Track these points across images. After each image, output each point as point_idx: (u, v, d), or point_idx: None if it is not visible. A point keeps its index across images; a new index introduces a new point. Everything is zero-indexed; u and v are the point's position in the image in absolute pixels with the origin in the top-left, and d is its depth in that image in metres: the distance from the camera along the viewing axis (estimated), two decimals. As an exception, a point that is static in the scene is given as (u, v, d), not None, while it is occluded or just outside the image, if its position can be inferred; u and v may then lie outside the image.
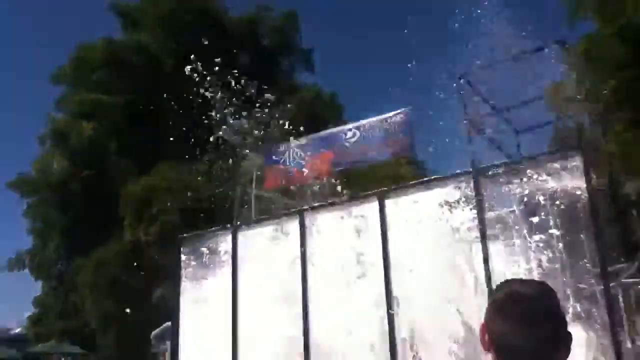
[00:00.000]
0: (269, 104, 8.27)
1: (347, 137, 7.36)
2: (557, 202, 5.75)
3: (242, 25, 25.41)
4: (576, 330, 5.02)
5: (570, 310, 5.10)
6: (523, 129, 7.35)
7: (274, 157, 7.92)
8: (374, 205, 6.81)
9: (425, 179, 6.94)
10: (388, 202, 6.75)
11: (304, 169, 7.52)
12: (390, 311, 6.29)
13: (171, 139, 18.26)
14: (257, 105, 8.23)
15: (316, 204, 7.53)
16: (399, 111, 7.02)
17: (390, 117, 7.04)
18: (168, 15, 23.51)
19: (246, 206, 9.22)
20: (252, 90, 8.19)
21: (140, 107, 21.43)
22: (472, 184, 6.23)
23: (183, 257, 8.54)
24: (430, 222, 6.32)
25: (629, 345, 11.42)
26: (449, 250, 6.12)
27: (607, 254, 5.92)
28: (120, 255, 22.13)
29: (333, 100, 24.06)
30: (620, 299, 12.24)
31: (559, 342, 1.26)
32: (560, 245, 5.58)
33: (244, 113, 8.02)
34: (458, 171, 6.51)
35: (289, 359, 6.94)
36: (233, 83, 8.00)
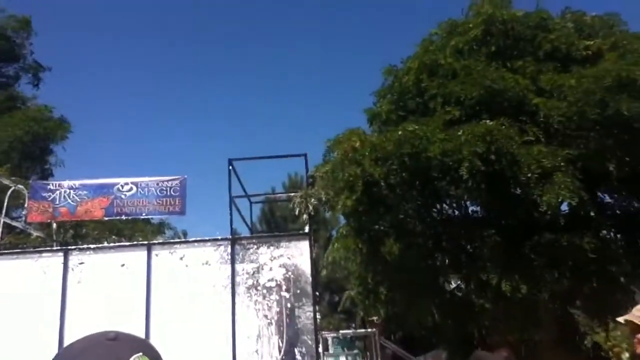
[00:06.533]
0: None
1: (123, 189, 8.22)
2: (289, 272, 7.78)
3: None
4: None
5: (297, 351, 7.10)
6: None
7: (42, 193, 8.16)
8: (142, 254, 7.81)
9: (191, 238, 8.25)
10: (155, 253, 7.84)
11: (77, 210, 8.02)
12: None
13: None
14: None
15: (84, 246, 8.06)
16: (176, 177, 8.28)
17: (167, 180, 8.24)
18: None
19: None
20: None
21: None
22: (229, 248, 7.84)
23: None
24: (190, 276, 7.67)
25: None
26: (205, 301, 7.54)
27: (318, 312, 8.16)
28: None
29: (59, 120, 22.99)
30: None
31: None
32: (289, 304, 7.57)
33: None
34: (219, 236, 8.07)
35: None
36: None
